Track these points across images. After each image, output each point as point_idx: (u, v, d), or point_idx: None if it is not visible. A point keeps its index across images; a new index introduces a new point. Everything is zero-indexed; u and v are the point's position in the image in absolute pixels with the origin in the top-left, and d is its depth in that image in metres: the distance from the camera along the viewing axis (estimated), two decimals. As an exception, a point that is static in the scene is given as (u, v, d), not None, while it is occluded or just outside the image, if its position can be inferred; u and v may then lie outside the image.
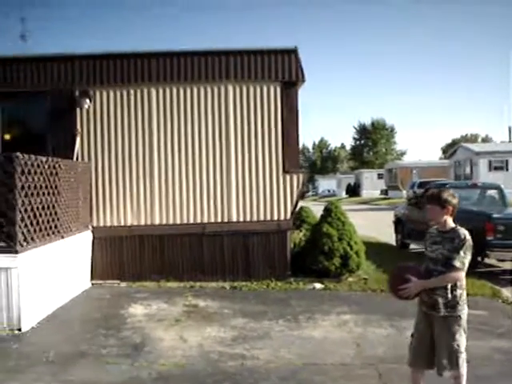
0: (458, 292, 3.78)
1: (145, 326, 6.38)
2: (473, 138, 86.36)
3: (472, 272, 8.44)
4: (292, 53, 8.96)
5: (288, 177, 9.07)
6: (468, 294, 6.17)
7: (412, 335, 4.02)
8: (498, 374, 4.79)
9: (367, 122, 78.29)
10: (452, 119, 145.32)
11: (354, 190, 55.78)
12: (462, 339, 3.79)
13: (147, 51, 9.07)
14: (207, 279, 8.79)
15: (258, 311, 6.99)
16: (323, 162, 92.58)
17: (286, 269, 8.94)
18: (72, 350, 5.49)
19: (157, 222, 9.12)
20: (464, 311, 3.82)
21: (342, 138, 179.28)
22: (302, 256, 9.10)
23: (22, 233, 6.30)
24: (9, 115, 9.17)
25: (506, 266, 9.97)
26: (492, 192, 12.44)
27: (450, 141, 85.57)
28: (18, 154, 6.22)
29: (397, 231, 14.03)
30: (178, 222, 9.12)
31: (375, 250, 12.65)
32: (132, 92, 9.05)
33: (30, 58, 9.04)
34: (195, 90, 9.06)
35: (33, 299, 6.43)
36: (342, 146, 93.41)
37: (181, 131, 9.10)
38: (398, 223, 13.89)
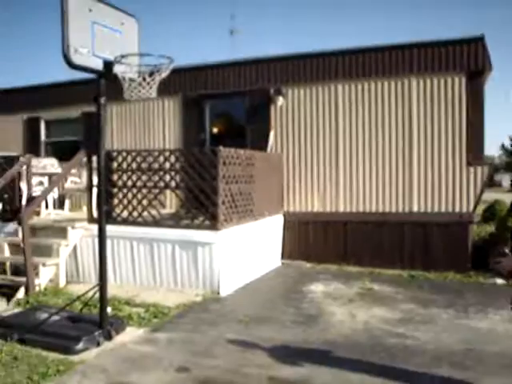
0: None
1: (321, 301, 7.16)
2: None
3: None
4: (478, 41, 8.78)
5: (472, 169, 8.97)
6: None
7: None
8: None
9: None
10: None
11: None
12: None
13: (333, 50, 9.75)
14: (385, 266, 9.20)
15: (429, 299, 7.25)
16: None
17: (467, 261, 8.90)
18: (258, 313, 6.53)
19: (341, 209, 9.82)
20: None
21: None
22: (484, 250, 8.96)
23: (223, 214, 7.53)
24: (215, 112, 10.84)
25: None
26: None
27: None
28: (221, 147, 7.43)
29: None
30: (361, 210, 9.69)
31: None
32: (320, 88, 9.86)
33: (231, 63, 10.50)
34: (379, 85, 9.48)
35: (230, 270, 7.66)
36: None
37: (365, 124, 9.62)
38: None
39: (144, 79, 5.37)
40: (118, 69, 5.35)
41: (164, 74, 5.39)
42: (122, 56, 5.26)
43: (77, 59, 5.05)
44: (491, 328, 5.97)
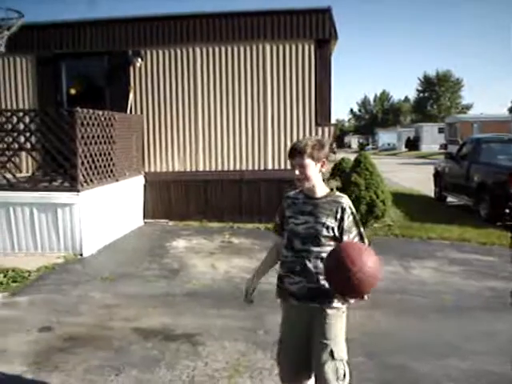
0: None
1: (184, 255, 7.51)
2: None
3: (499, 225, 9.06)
4: (326, 12, 9.51)
5: (320, 129, 9.81)
6: (486, 243, 7.19)
7: None
8: (482, 307, 5.43)
9: (433, 73, 75.75)
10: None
11: (413, 144, 54.94)
12: None
13: (191, 13, 9.92)
14: (244, 221, 9.80)
15: (283, 248, 7.94)
16: (384, 114, 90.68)
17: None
18: (122, 271, 6.69)
19: (201, 168, 10.17)
20: None
21: (406, 90, 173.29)
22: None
23: (83, 175, 7.46)
24: (73, 73, 10.43)
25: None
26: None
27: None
28: (78, 108, 7.31)
29: (435, 184, 14.44)
30: (220, 169, 10.13)
31: (413, 200, 13.32)
32: (179, 51, 9.98)
33: (89, 21, 10.15)
34: (235, 49, 9.86)
35: (92, 231, 7.66)
36: (406, 100, 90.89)
37: (222, 86, 9.97)
38: (437, 176, 14.28)
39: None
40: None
41: (13, 29, 5.20)
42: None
43: None
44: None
